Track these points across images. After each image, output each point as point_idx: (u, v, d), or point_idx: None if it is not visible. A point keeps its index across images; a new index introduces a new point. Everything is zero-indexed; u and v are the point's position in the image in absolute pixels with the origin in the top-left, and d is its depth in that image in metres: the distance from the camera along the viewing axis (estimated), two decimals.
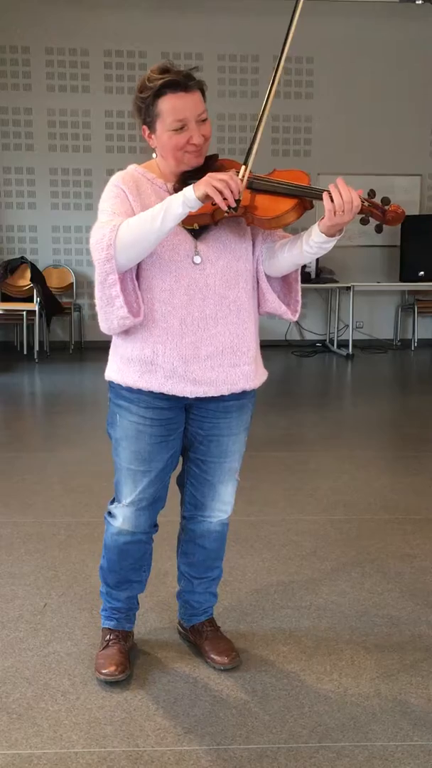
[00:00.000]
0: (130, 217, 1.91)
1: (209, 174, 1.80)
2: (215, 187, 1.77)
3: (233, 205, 1.79)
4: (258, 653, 2.34)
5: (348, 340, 8.24)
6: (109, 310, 1.93)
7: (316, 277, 8.28)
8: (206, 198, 1.79)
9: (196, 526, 2.24)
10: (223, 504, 2.21)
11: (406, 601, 2.68)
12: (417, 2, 8.08)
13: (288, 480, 3.98)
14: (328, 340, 8.89)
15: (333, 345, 8.66)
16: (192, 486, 2.19)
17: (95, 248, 1.88)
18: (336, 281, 8.20)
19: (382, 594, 2.73)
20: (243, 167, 1.87)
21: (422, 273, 8.21)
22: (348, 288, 8.22)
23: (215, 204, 1.82)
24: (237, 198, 1.79)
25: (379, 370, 7.70)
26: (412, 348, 8.76)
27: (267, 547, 3.12)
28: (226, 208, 1.80)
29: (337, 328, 8.71)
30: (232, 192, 1.77)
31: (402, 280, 8.40)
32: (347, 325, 8.43)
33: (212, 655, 2.26)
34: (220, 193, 1.77)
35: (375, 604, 2.66)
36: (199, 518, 2.23)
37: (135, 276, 1.96)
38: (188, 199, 1.81)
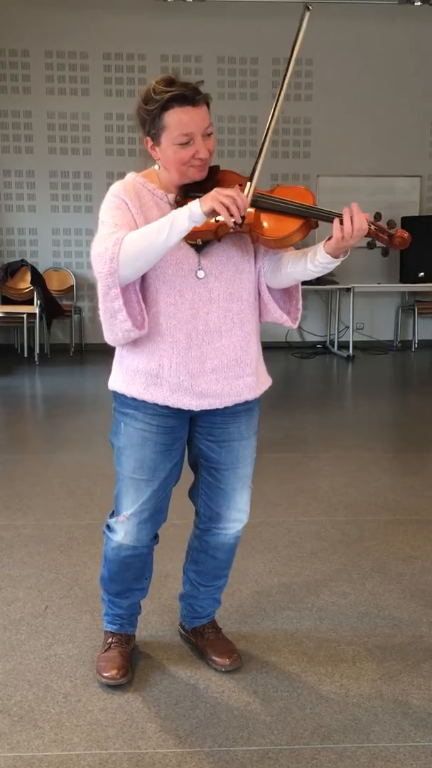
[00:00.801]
0: (131, 228, 1.89)
1: (216, 189, 1.79)
2: (222, 203, 1.76)
3: (239, 221, 1.78)
4: (259, 654, 2.34)
5: (348, 342, 8.24)
6: (113, 323, 1.92)
7: (316, 278, 8.28)
8: (212, 213, 1.78)
9: (210, 539, 2.22)
10: (238, 512, 2.18)
11: (408, 602, 2.68)
12: (416, 4, 8.09)
13: (289, 481, 3.98)
14: (328, 342, 8.89)
15: (333, 346, 8.66)
16: (206, 496, 2.17)
17: (97, 261, 1.86)
18: (336, 282, 8.20)
19: (384, 595, 2.73)
20: (248, 184, 1.87)
21: (422, 274, 8.22)
22: (348, 289, 8.22)
23: (218, 221, 1.82)
24: (243, 214, 1.78)
25: (379, 372, 7.70)
26: (413, 349, 8.76)
27: (268, 548, 3.12)
28: (232, 224, 1.79)
29: (338, 329, 8.71)
30: (238, 208, 1.77)
31: (402, 281, 8.40)
32: (347, 327, 8.43)
33: (213, 657, 2.26)
34: (227, 209, 1.76)
35: (376, 605, 2.65)
36: (214, 531, 2.21)
37: (139, 288, 1.95)
38: (194, 213, 1.80)
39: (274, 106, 1.91)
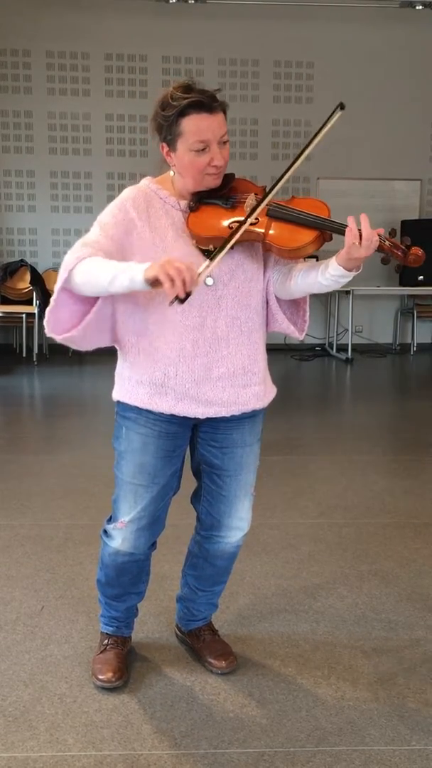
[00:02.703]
0: (116, 242, 1.89)
1: (168, 259, 1.71)
2: (168, 275, 1.67)
3: (182, 297, 1.68)
4: (255, 657, 2.34)
5: (347, 345, 8.24)
6: (46, 316, 1.92)
7: None
8: (156, 283, 1.71)
9: (211, 546, 2.21)
10: (239, 520, 2.17)
11: (405, 605, 2.68)
12: (417, 7, 8.11)
13: (287, 484, 3.98)
14: (327, 344, 8.89)
15: (332, 349, 8.66)
16: (207, 503, 2.16)
17: (64, 261, 1.86)
18: None
19: (381, 598, 2.73)
20: (206, 263, 1.79)
21: (422, 277, 8.22)
22: (347, 292, 8.22)
23: (232, 226, 1.81)
24: (189, 290, 1.69)
25: (378, 375, 7.70)
26: (411, 352, 8.76)
27: (265, 550, 3.12)
28: (172, 298, 1.69)
29: (337, 332, 8.71)
30: (185, 283, 1.67)
31: (401, 284, 8.41)
32: (346, 330, 8.43)
33: (210, 659, 2.26)
34: (171, 281, 1.67)
35: (373, 608, 2.65)
36: (215, 539, 2.20)
37: (128, 308, 1.95)
38: (135, 280, 1.75)
39: (288, 167, 1.89)
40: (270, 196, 1.87)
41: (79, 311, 1.92)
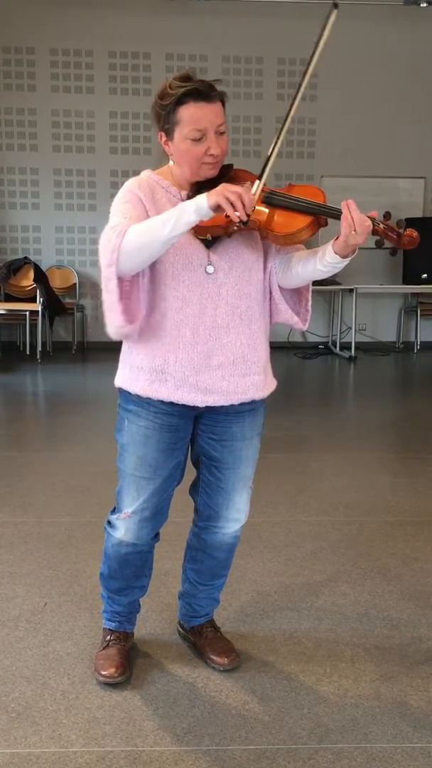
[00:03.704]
0: (141, 221, 1.89)
1: (224, 185, 1.78)
2: (228, 199, 1.74)
3: (244, 218, 1.77)
4: (258, 654, 2.34)
5: (350, 343, 8.23)
6: (109, 316, 1.91)
7: (320, 279, 8.27)
8: (218, 209, 1.77)
9: (208, 537, 2.22)
10: (237, 512, 2.18)
11: (407, 603, 2.68)
12: (422, 5, 8.09)
13: (289, 481, 3.98)
14: (330, 343, 8.88)
15: (335, 347, 8.65)
16: (206, 494, 2.16)
17: (102, 251, 1.86)
18: (339, 283, 8.19)
19: (383, 596, 2.73)
20: (257, 182, 1.86)
21: (425, 275, 8.21)
22: (351, 290, 8.22)
23: (228, 216, 1.82)
24: (249, 212, 1.77)
25: (381, 373, 7.70)
26: (415, 350, 8.75)
27: (268, 548, 3.12)
28: (237, 221, 1.78)
29: (340, 330, 8.70)
30: (244, 205, 1.75)
31: (405, 282, 8.39)
32: (350, 328, 8.42)
33: (212, 656, 2.26)
34: (232, 205, 1.75)
35: (375, 606, 2.65)
36: (212, 529, 2.20)
37: (143, 285, 1.94)
38: (200, 207, 1.78)
39: (291, 103, 1.90)
40: (281, 137, 1.89)
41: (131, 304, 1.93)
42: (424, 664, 2.30)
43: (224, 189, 1.76)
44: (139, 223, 1.85)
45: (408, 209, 8.64)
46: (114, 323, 1.90)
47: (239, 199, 1.74)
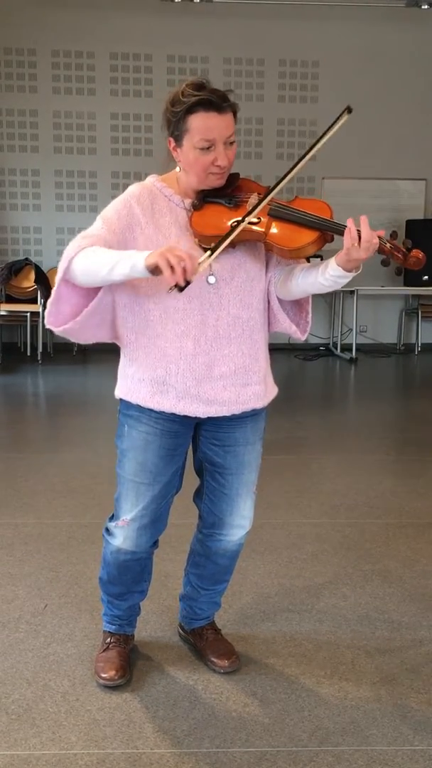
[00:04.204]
0: (117, 236, 1.90)
1: (169, 246, 1.74)
2: (168, 262, 1.70)
3: (182, 284, 1.70)
4: (258, 656, 2.34)
5: (351, 344, 8.23)
6: (48, 306, 1.94)
7: None
8: (156, 270, 1.74)
9: (213, 544, 2.21)
10: (241, 518, 2.17)
11: (408, 605, 2.67)
12: (423, 7, 8.09)
13: (290, 483, 3.98)
14: (331, 344, 8.88)
15: (336, 349, 8.65)
16: (210, 501, 2.16)
17: (65, 252, 1.89)
18: None
19: (384, 598, 2.73)
20: (206, 254, 1.80)
21: (426, 277, 8.20)
22: (352, 292, 8.22)
23: (234, 225, 1.81)
24: (189, 279, 1.71)
25: (382, 374, 7.69)
26: (416, 352, 8.75)
27: (269, 550, 3.11)
28: (172, 286, 1.72)
29: (341, 331, 8.70)
30: (185, 272, 1.69)
31: (406, 284, 8.38)
32: (351, 329, 8.42)
33: (212, 658, 2.26)
34: (171, 268, 1.70)
35: (376, 608, 2.65)
36: (217, 536, 2.20)
37: (125, 296, 1.96)
38: (136, 266, 1.77)
39: (293, 166, 1.89)
40: (272, 194, 1.87)
41: (80, 304, 1.94)
42: (424, 667, 2.30)
43: (168, 251, 1.72)
44: (95, 251, 1.85)
45: (409, 211, 8.64)
46: (48, 317, 1.95)
47: (180, 264, 1.70)
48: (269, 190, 1.88)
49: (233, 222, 1.87)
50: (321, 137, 1.89)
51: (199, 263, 1.76)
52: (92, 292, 1.93)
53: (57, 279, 1.92)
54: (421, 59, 8.45)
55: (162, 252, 1.72)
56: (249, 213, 1.85)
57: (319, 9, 8.15)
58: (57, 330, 1.96)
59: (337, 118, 1.87)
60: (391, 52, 8.42)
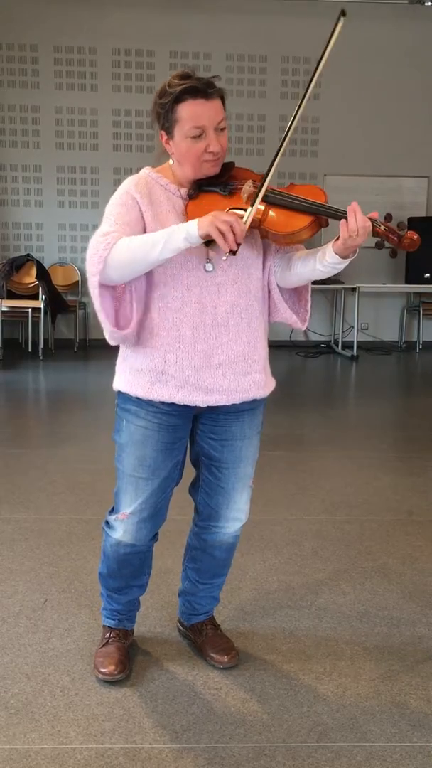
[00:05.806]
0: (133, 227, 1.89)
1: (214, 213, 1.76)
2: (219, 229, 1.73)
3: (234, 248, 1.75)
4: (257, 652, 2.34)
5: (353, 342, 8.23)
6: (102, 320, 1.93)
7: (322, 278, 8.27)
8: (208, 237, 1.77)
9: (209, 537, 2.22)
10: (237, 511, 2.17)
11: (407, 602, 2.68)
12: (426, 3, 8.08)
13: (290, 480, 3.98)
14: (332, 342, 8.87)
15: (338, 346, 8.65)
16: (206, 494, 2.16)
17: (88, 260, 1.87)
18: (341, 282, 8.18)
19: (383, 595, 2.73)
20: (249, 209, 1.83)
21: (428, 275, 8.20)
22: (353, 289, 8.21)
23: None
24: (239, 242, 1.75)
25: (383, 372, 7.69)
26: (417, 350, 8.74)
27: (268, 546, 3.12)
28: (226, 251, 1.76)
29: (342, 329, 8.70)
30: (235, 235, 1.74)
31: (408, 281, 8.39)
32: (352, 327, 8.42)
33: (212, 654, 2.26)
34: (223, 235, 1.74)
35: (376, 605, 2.65)
36: (213, 529, 2.20)
37: (137, 287, 1.94)
38: (190, 235, 1.78)
39: (294, 114, 1.86)
40: (287, 137, 1.84)
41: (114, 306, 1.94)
42: (423, 663, 2.30)
43: (215, 218, 1.74)
44: (130, 239, 1.84)
45: (411, 209, 8.63)
46: (106, 328, 1.92)
47: (230, 229, 1.73)
48: (287, 131, 1.84)
49: (230, 210, 1.86)
50: (323, 52, 1.83)
51: (245, 222, 1.79)
52: (119, 292, 1.93)
53: (93, 291, 1.88)
54: (425, 56, 8.44)
55: (211, 221, 1.74)
56: (272, 162, 1.83)
57: (321, 5, 8.13)
58: (127, 332, 1.94)
59: (335, 26, 1.82)
60: (394, 49, 8.40)
